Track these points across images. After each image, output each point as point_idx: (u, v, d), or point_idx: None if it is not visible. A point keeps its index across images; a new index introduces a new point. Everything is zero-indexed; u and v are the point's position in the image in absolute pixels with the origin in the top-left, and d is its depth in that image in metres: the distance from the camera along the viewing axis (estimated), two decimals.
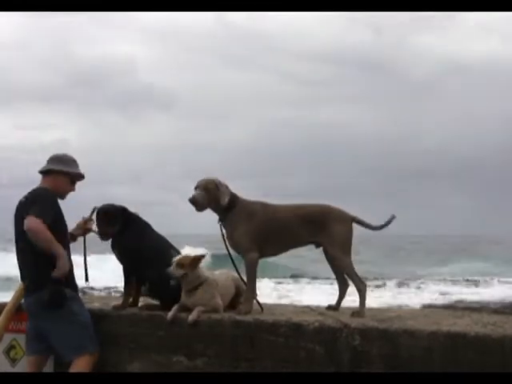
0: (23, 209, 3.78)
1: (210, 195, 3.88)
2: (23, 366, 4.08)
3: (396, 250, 54.59)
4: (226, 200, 3.85)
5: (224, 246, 3.99)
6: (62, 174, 3.99)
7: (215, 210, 3.96)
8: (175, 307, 3.87)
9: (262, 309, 4.00)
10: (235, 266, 4.06)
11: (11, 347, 4.16)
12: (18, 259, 3.96)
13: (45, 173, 4.01)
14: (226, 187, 3.93)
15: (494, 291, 20.34)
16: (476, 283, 24.13)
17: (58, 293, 3.75)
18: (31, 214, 3.66)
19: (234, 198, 3.94)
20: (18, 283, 4.13)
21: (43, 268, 3.73)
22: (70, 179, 4.04)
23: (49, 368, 4.03)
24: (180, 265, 3.79)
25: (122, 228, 4.08)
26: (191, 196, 3.88)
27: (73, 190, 4.07)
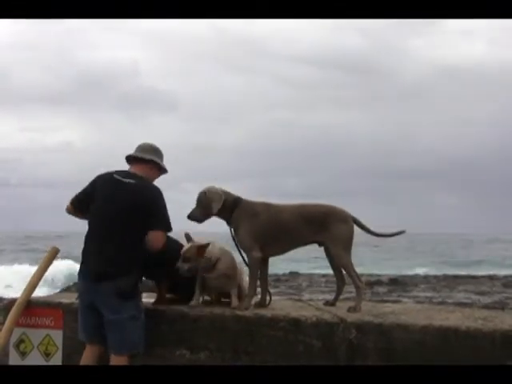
0: (135, 198, 3.71)
1: (203, 207, 4.00)
2: (32, 359, 4.17)
3: (392, 247, 54.62)
4: (215, 209, 3.97)
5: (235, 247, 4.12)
6: (156, 166, 3.99)
7: (219, 217, 4.07)
8: (197, 292, 4.04)
9: (269, 302, 4.13)
10: (244, 260, 4.12)
11: (21, 341, 4.24)
12: (97, 241, 3.77)
13: (143, 160, 3.95)
14: (222, 193, 4.01)
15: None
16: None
17: (136, 284, 3.74)
18: (161, 229, 3.77)
19: (236, 200, 4.04)
20: (28, 280, 4.23)
21: (131, 258, 3.71)
22: (159, 174, 4.05)
23: (58, 360, 4.15)
24: (186, 259, 3.86)
25: None
26: (189, 213, 4.04)
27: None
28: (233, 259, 4.08)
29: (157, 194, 3.84)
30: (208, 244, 3.93)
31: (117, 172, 3.89)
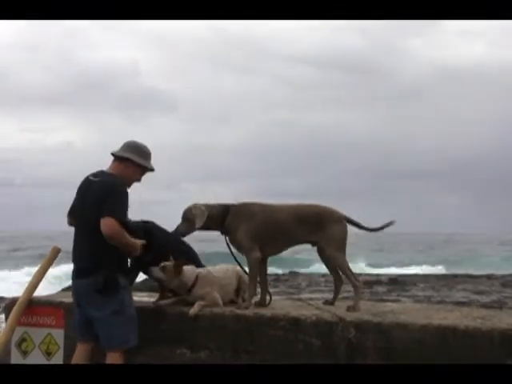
0: (96, 194, 3.71)
1: (190, 222, 4.01)
2: (33, 358, 4.19)
3: (391, 247, 54.74)
4: (198, 224, 3.97)
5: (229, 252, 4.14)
6: (137, 165, 3.92)
7: (210, 229, 4.09)
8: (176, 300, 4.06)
9: (269, 302, 4.15)
10: (240, 266, 4.22)
11: (22, 340, 4.27)
12: (75, 240, 3.89)
13: (119, 158, 3.92)
14: (206, 209, 4.00)
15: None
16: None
17: (113, 279, 3.70)
18: (107, 216, 3.61)
19: (225, 208, 4.06)
20: (29, 279, 4.24)
21: (103, 253, 3.69)
22: (141, 171, 3.97)
23: (59, 359, 4.16)
24: (163, 269, 3.95)
25: None
26: (175, 228, 4.06)
27: (139, 181, 4.01)
28: (211, 282, 4.10)
29: (112, 187, 3.75)
30: (184, 263, 4.01)
31: (92, 173, 3.93)
